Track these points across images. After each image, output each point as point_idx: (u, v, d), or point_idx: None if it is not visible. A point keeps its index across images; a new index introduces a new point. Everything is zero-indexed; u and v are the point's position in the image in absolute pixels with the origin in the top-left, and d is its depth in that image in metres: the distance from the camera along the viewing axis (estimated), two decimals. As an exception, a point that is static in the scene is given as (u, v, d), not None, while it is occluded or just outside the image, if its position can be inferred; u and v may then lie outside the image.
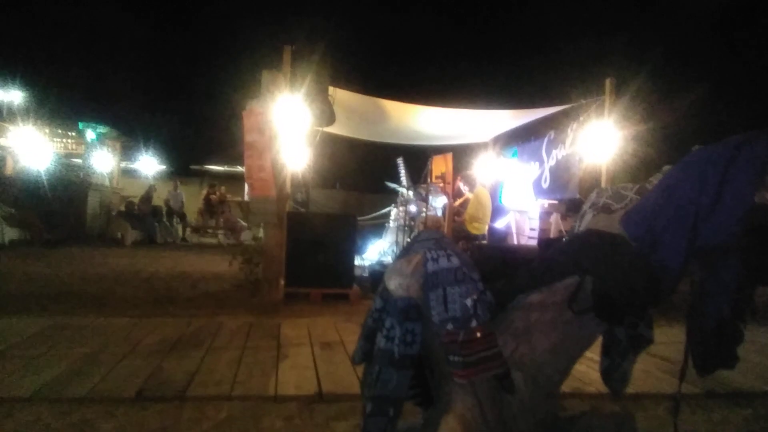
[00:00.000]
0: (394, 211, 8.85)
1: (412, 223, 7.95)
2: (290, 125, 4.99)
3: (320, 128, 6.01)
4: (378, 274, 5.92)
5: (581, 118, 6.31)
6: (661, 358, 3.49)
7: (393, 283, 1.69)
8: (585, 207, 2.16)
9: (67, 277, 6.23)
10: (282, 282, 5.12)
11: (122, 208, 12.89)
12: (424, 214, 7.65)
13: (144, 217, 12.29)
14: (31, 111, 13.58)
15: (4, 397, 2.51)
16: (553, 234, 6.91)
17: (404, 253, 1.90)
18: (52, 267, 7.09)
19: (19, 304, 4.54)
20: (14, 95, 15.23)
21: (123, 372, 2.89)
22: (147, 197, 13.07)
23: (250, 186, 5.08)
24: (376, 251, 8.59)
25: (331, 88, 5.61)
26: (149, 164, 18.74)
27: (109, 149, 14.23)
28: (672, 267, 1.79)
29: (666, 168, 1.99)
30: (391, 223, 8.80)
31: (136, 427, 2.30)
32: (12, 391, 2.57)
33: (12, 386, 2.63)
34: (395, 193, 8.95)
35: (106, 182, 13.85)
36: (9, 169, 13.44)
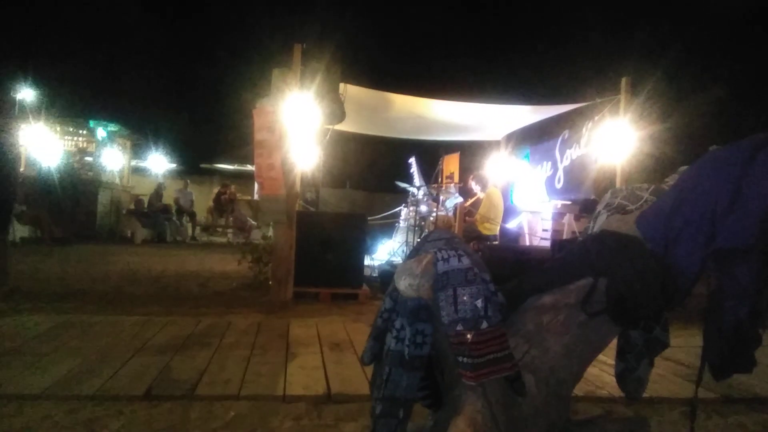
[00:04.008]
0: (404, 211, 8.81)
1: (423, 222, 7.92)
2: (300, 123, 4.98)
3: (330, 126, 5.99)
4: (388, 274, 5.90)
5: (596, 118, 6.25)
6: (676, 362, 3.44)
7: (403, 284, 1.68)
8: (599, 208, 2.13)
9: (77, 275, 6.27)
10: (291, 281, 5.11)
11: (132, 206, 12.95)
12: (434, 214, 7.61)
13: (154, 215, 12.35)
14: (42, 109, 13.65)
15: (14, 393, 2.52)
16: (566, 235, 6.84)
17: (414, 253, 1.89)
18: (62, 265, 7.14)
19: (29, 302, 4.57)
20: (26, 93, 15.32)
21: (132, 370, 2.90)
22: (157, 195, 13.13)
23: (260, 185, 5.08)
24: (386, 251, 8.57)
25: (341, 85, 5.59)
26: (159, 162, 18.77)
27: (120, 147, 14.28)
28: (688, 269, 1.77)
29: (682, 168, 1.97)
30: (402, 223, 8.77)
31: (144, 425, 2.29)
32: (22, 388, 2.57)
33: (22, 383, 2.63)
34: (405, 192, 8.92)
35: (117, 180, 13.90)
36: (20, 167, 13.50)
